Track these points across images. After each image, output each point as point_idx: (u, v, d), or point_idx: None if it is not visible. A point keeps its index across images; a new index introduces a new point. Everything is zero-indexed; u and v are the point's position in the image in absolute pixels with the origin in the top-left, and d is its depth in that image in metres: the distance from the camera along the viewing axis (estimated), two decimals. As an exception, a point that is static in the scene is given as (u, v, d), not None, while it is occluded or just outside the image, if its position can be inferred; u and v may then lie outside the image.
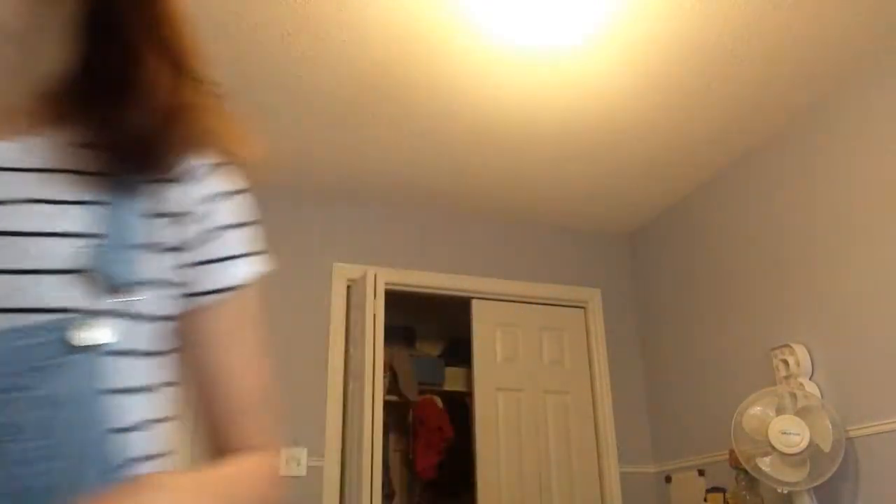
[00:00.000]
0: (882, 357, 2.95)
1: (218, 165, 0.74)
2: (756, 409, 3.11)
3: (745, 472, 3.24)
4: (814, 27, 2.89)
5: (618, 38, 2.93)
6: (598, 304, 4.57)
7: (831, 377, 3.16)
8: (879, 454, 2.90)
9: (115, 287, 0.63)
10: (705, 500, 3.59)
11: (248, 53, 2.98)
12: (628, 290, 4.70)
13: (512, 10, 2.77)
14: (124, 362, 0.64)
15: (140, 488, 0.54)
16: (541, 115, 3.46)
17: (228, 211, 0.74)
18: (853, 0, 2.76)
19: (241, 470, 0.71)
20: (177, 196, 0.70)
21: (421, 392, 5.18)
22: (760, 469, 3.04)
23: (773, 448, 2.98)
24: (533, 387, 4.30)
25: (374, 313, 3.69)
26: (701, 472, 3.86)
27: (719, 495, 3.51)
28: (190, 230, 0.71)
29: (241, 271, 0.75)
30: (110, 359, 0.62)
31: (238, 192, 0.76)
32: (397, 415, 5.36)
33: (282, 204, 4.14)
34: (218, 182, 0.74)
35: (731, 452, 3.25)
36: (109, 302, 0.62)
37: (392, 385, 5.05)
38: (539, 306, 4.47)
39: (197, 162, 0.72)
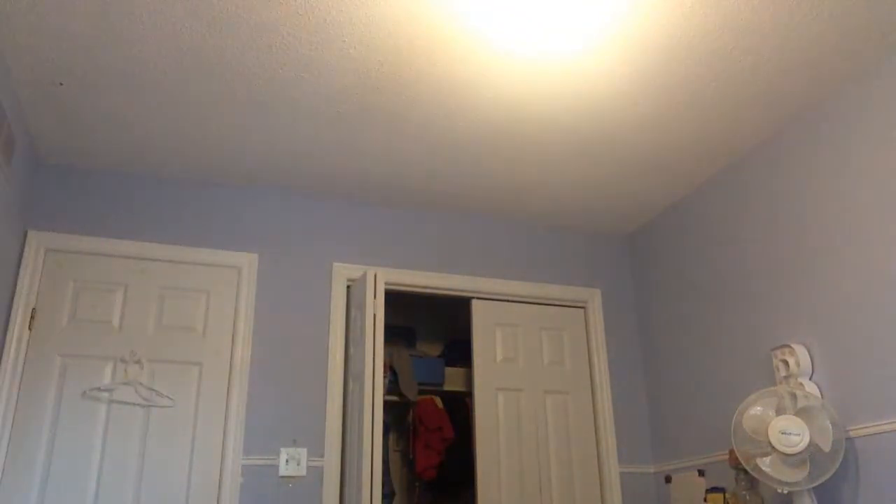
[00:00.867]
0: (882, 357, 2.95)
1: None
2: (756, 409, 3.11)
3: (745, 472, 3.24)
4: (814, 27, 2.89)
5: (616, 39, 2.93)
6: (598, 304, 4.57)
7: (831, 377, 3.16)
8: (880, 454, 2.90)
9: None
10: (705, 500, 3.59)
11: (248, 51, 2.98)
12: (628, 290, 4.70)
13: (511, 13, 2.77)
14: None
15: None
16: (540, 116, 3.45)
17: None
18: (853, 1, 2.75)
19: None
20: None
21: (421, 392, 5.18)
22: (760, 469, 3.04)
23: (773, 448, 2.98)
24: (533, 387, 4.30)
25: (374, 313, 3.69)
26: (701, 472, 3.86)
27: (719, 495, 3.51)
28: None
29: None
30: None
31: None
32: (397, 415, 5.36)
33: (281, 203, 4.14)
34: None
35: (731, 452, 3.25)
36: None
37: (392, 385, 5.05)
38: (539, 306, 4.47)
39: None
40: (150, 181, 3.94)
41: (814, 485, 2.96)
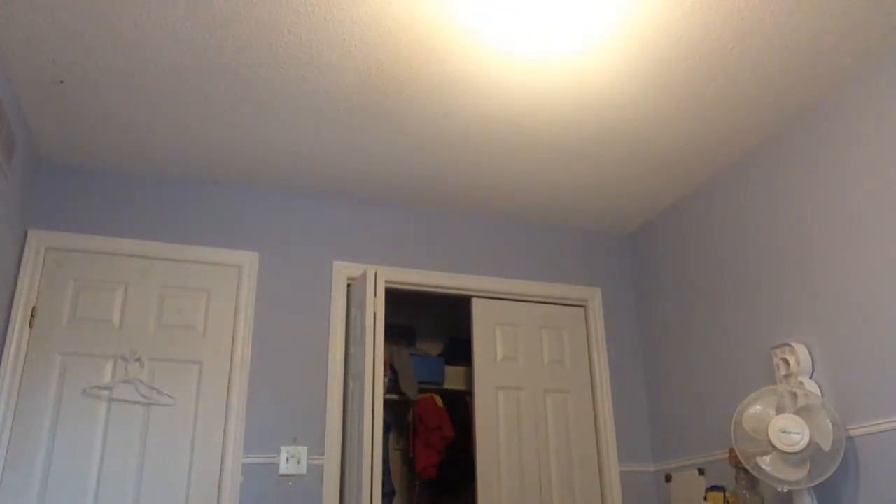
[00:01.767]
0: (882, 356, 2.95)
1: None
2: (756, 408, 3.11)
3: (745, 470, 3.24)
4: (814, 27, 2.89)
5: (616, 39, 2.93)
6: (599, 302, 4.58)
7: (832, 376, 3.17)
8: (880, 453, 2.91)
9: None
10: (705, 498, 3.59)
11: (248, 50, 2.98)
12: (628, 289, 4.70)
13: (511, 13, 2.77)
14: None
15: None
16: (540, 116, 3.45)
17: None
18: (853, 1, 2.76)
19: None
20: None
21: (421, 391, 5.18)
22: (760, 468, 3.04)
23: (773, 447, 2.98)
24: (533, 385, 4.30)
25: (375, 312, 3.69)
26: (701, 471, 3.86)
27: (719, 494, 3.51)
28: None
29: None
30: None
31: None
32: (397, 413, 5.36)
33: (281, 203, 4.14)
34: None
35: (731, 451, 3.25)
36: None
37: (392, 384, 5.05)
38: (539, 305, 4.48)
39: None
40: (150, 180, 3.94)
41: (814, 484, 2.96)
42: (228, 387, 3.70)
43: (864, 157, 3.13)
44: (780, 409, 3.05)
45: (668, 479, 4.14)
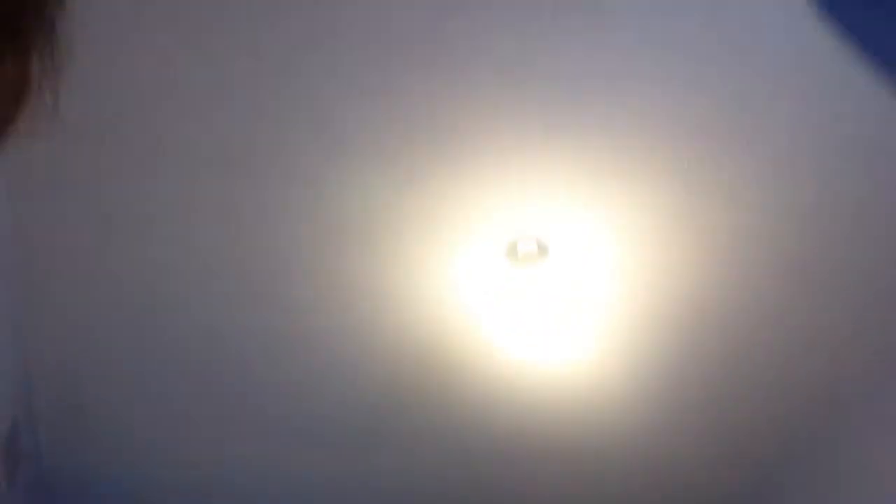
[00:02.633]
0: None
1: None
2: None
3: None
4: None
5: (627, 350, 2.95)
6: None
7: None
8: None
9: None
10: None
11: (251, 364, 3.00)
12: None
13: (523, 327, 2.81)
14: None
15: None
16: (554, 429, 3.38)
17: None
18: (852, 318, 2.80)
19: None
20: None
21: None
22: None
23: None
24: None
25: None
26: None
27: None
28: None
29: None
30: None
31: None
32: None
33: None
34: None
35: None
36: None
37: None
38: None
39: None
40: (148, 496, 3.83)
41: None
42: None
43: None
44: None
45: None
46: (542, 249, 2.63)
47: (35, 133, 0.51)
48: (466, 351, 2.91)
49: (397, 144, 2.28)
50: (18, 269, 2.56)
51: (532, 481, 3.80)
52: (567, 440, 3.46)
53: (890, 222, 2.53)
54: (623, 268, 2.69)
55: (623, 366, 3.00)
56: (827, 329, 2.85)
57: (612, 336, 2.88)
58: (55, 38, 0.49)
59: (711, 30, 2.05)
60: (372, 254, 2.61)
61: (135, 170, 2.31)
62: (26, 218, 2.40)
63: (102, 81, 2.01)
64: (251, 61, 2.07)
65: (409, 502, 3.97)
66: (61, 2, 0.49)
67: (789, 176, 2.40)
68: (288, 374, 3.04)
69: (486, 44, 2.06)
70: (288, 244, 2.58)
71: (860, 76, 1.86)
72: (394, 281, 2.71)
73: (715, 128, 2.27)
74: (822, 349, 2.94)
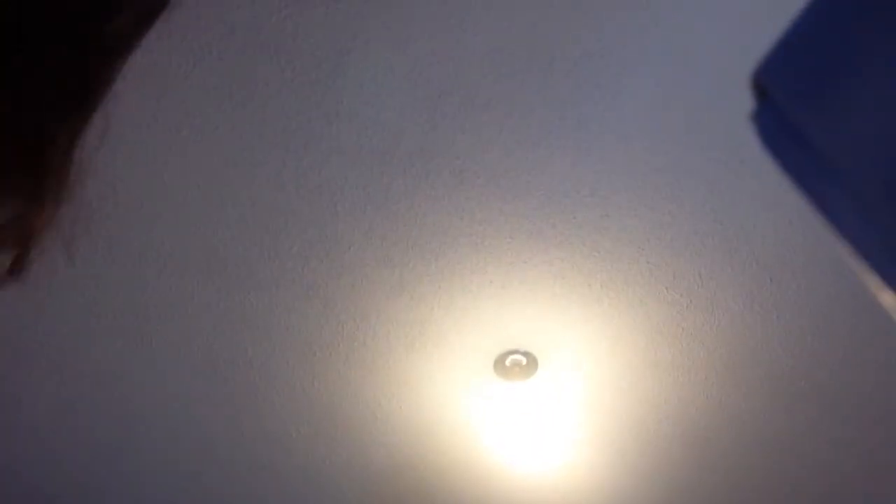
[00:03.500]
0: None
1: None
2: None
3: None
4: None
5: (617, 464, 2.88)
6: None
7: None
8: None
9: None
10: None
11: (254, 461, 2.91)
12: None
13: (512, 441, 2.75)
14: None
15: None
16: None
17: None
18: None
19: None
20: None
21: None
22: None
23: None
24: None
25: None
26: None
27: None
28: None
29: None
30: None
31: None
32: None
33: None
34: None
35: None
36: None
37: None
38: None
39: None
40: None
41: None
42: None
43: None
44: None
45: None
46: (532, 362, 2.59)
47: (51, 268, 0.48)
48: (456, 468, 2.84)
49: (389, 254, 2.28)
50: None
51: None
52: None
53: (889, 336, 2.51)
54: (613, 381, 2.64)
55: (613, 480, 2.92)
56: (826, 450, 2.78)
57: (603, 450, 2.80)
58: (73, 182, 0.45)
59: (693, 150, 2.09)
60: (360, 369, 2.57)
61: (123, 276, 2.30)
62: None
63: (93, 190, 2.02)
64: (243, 171, 2.10)
65: None
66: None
67: (778, 289, 2.39)
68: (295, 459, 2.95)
69: (477, 156, 2.08)
70: (272, 357, 2.53)
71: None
72: (384, 401, 2.66)
73: (703, 242, 2.28)
74: (824, 472, 2.87)
